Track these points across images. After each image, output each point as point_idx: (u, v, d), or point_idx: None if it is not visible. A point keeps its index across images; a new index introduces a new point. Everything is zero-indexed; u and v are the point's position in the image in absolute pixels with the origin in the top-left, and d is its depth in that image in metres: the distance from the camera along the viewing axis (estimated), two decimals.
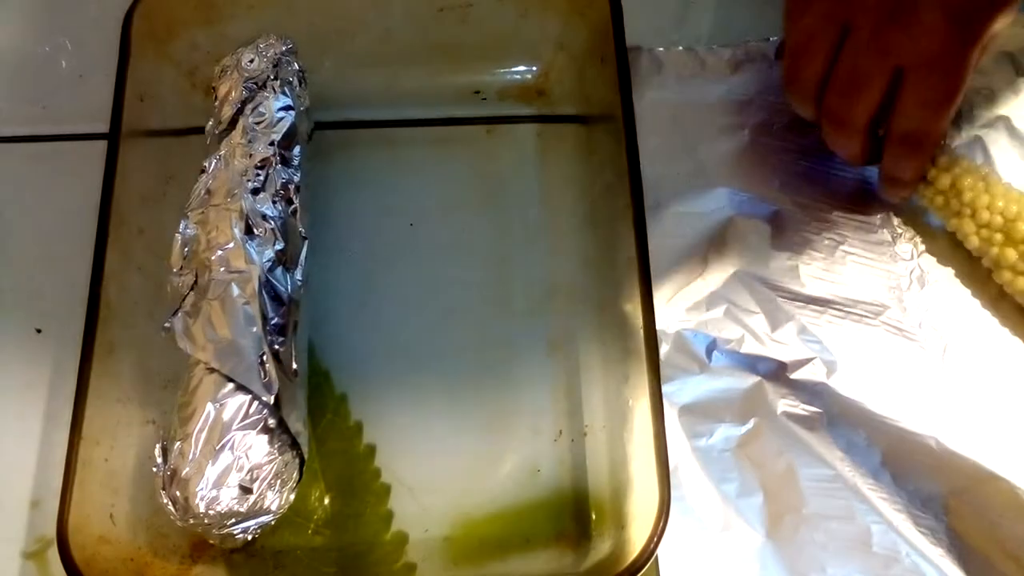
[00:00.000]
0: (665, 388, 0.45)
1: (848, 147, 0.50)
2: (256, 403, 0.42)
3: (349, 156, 0.55)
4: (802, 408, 0.48)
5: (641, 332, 0.44)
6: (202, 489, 0.40)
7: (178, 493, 0.41)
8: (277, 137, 0.48)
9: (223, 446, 0.41)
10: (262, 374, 0.42)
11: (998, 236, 0.49)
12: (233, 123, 0.48)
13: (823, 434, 0.47)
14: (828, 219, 0.53)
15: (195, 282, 0.44)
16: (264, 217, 0.46)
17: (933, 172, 0.50)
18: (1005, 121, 0.54)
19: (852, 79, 0.47)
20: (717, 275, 0.51)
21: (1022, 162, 0.53)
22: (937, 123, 0.48)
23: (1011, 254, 0.48)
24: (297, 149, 0.49)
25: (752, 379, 0.48)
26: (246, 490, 0.41)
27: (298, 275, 0.46)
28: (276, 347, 0.43)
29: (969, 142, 0.54)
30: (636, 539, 0.41)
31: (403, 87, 0.56)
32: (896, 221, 0.53)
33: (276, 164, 0.47)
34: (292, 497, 0.43)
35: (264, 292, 0.44)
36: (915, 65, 0.46)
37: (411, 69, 0.56)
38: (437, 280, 0.51)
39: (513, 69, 0.57)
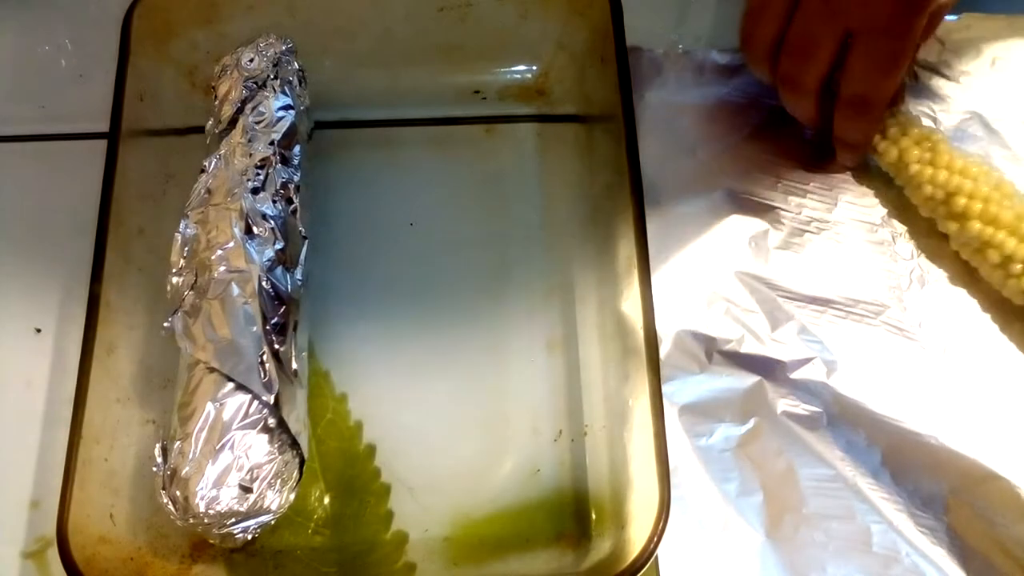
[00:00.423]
0: (665, 388, 0.45)
1: (801, 109, 0.52)
2: (256, 403, 0.42)
3: (349, 156, 0.55)
4: (802, 408, 0.48)
5: (641, 332, 0.44)
6: (202, 489, 0.41)
7: (178, 493, 0.41)
8: (277, 136, 0.48)
9: (223, 446, 0.41)
10: (262, 374, 0.42)
11: (941, 209, 0.50)
12: (233, 122, 0.48)
13: (823, 434, 0.47)
14: (828, 219, 0.53)
15: (195, 282, 0.44)
16: (264, 216, 0.46)
17: (882, 144, 0.51)
18: (979, 117, 0.55)
19: (803, 42, 0.49)
20: (717, 274, 0.51)
21: (999, 158, 0.53)
22: (883, 86, 0.49)
23: (955, 227, 0.49)
24: (297, 148, 0.49)
25: (752, 379, 0.48)
26: (246, 490, 0.41)
27: (298, 275, 0.46)
28: (276, 347, 0.43)
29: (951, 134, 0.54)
30: (636, 539, 0.41)
31: (403, 87, 0.56)
32: (896, 221, 0.53)
33: (276, 163, 0.47)
34: (292, 497, 0.43)
35: (264, 292, 0.44)
36: (863, 29, 0.47)
37: (411, 69, 0.56)
38: (437, 280, 0.51)
39: (513, 69, 0.57)
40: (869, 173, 0.54)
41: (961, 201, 0.49)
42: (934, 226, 0.52)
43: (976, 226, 0.48)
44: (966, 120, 0.55)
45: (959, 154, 0.50)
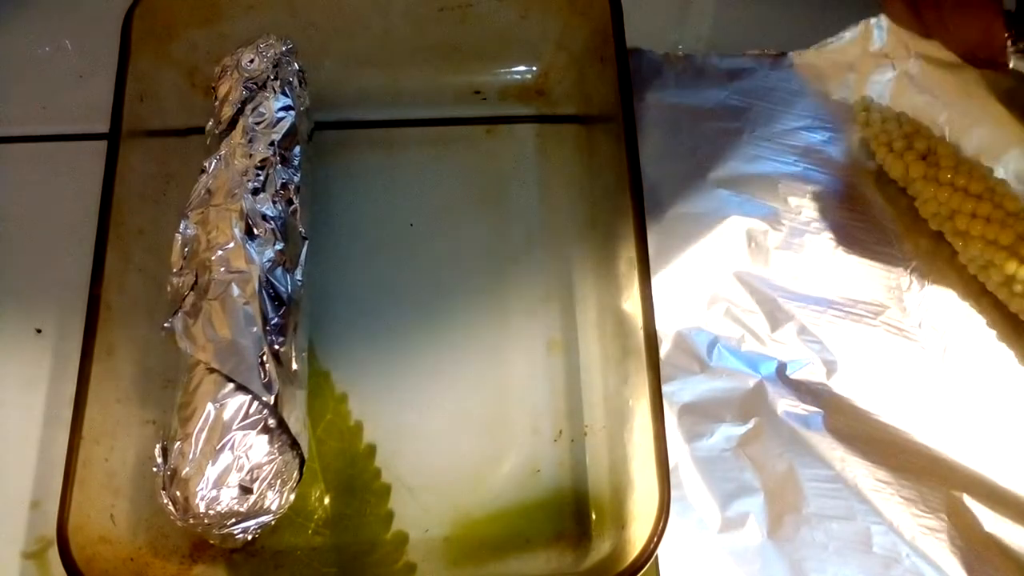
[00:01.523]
0: (665, 388, 0.45)
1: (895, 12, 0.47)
2: (256, 403, 0.42)
3: (349, 156, 0.55)
4: (802, 408, 0.48)
5: (641, 332, 0.44)
6: (202, 489, 0.40)
7: (178, 493, 0.41)
8: (277, 137, 0.48)
9: (223, 446, 0.41)
10: (262, 374, 0.42)
11: (947, 225, 0.50)
12: (233, 123, 0.48)
13: (823, 434, 0.47)
14: (828, 219, 0.53)
15: (195, 282, 0.44)
16: (264, 217, 0.46)
17: (888, 158, 0.51)
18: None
19: None
20: (717, 275, 0.51)
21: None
22: None
23: (960, 243, 0.50)
24: (297, 149, 0.49)
25: (752, 379, 0.48)
26: (246, 490, 0.41)
27: (298, 275, 0.46)
28: (276, 347, 0.43)
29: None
30: (636, 539, 0.41)
31: (403, 87, 0.56)
32: (896, 221, 0.53)
33: (276, 164, 0.47)
34: (292, 497, 0.43)
35: (264, 292, 0.44)
36: None
37: (411, 69, 0.56)
38: (437, 280, 0.51)
39: (513, 69, 0.57)
40: (869, 174, 0.54)
41: (963, 220, 0.49)
42: (933, 228, 0.52)
43: (978, 246, 0.48)
44: (966, 110, 0.55)
45: (965, 167, 0.50)
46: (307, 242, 0.47)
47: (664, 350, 0.49)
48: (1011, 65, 0.51)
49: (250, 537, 0.43)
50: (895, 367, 0.49)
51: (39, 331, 0.50)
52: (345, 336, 0.50)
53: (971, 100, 0.54)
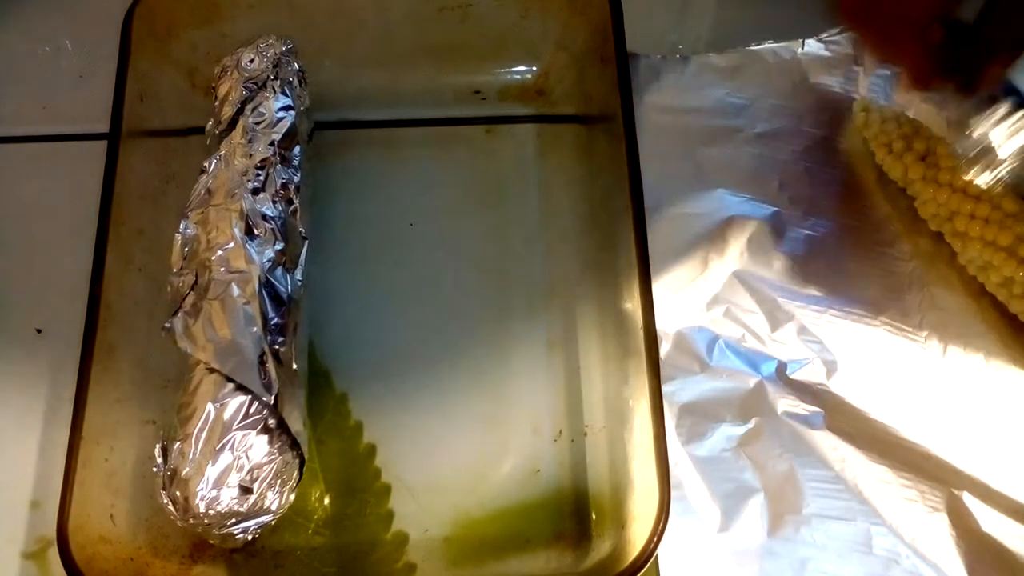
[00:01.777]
0: (665, 388, 0.45)
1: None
2: (256, 403, 0.42)
3: (349, 156, 0.55)
4: (802, 408, 0.48)
5: (641, 332, 0.44)
6: (202, 489, 0.40)
7: (178, 493, 0.41)
8: (277, 137, 0.48)
9: (223, 446, 0.41)
10: (262, 374, 0.42)
11: (947, 226, 0.50)
12: (233, 123, 0.48)
13: (823, 434, 0.47)
14: (828, 219, 0.53)
15: (195, 282, 0.44)
16: (264, 217, 0.46)
17: (888, 159, 0.51)
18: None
19: None
20: (717, 275, 0.51)
21: None
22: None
23: (959, 244, 0.50)
24: (297, 149, 0.49)
25: (752, 379, 0.48)
26: (246, 490, 0.41)
27: (298, 275, 0.46)
28: (276, 347, 0.43)
29: None
30: (636, 539, 0.41)
31: (403, 87, 0.56)
32: (896, 221, 0.53)
33: (276, 164, 0.47)
34: (292, 497, 0.43)
35: (264, 292, 0.44)
36: None
37: (411, 69, 0.56)
38: (437, 280, 0.51)
39: (513, 69, 0.57)
40: (869, 174, 0.54)
41: (962, 221, 0.49)
42: (933, 227, 0.52)
43: (977, 247, 0.48)
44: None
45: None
46: (307, 242, 0.47)
47: (664, 350, 0.49)
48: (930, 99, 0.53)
49: (250, 537, 0.43)
50: (895, 367, 0.49)
51: (39, 331, 0.50)
52: (345, 336, 0.50)
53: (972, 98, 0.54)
